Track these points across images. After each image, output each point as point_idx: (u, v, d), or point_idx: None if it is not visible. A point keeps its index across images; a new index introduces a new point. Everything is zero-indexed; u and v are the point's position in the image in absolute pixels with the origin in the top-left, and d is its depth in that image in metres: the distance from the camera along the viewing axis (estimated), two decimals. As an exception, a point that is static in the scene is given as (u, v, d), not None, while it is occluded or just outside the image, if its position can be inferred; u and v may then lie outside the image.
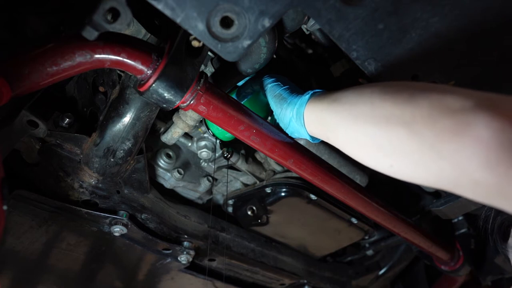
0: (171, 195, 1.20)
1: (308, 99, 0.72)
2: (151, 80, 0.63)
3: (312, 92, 0.73)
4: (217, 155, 1.09)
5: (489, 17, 0.69)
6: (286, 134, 0.79)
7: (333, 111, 0.65)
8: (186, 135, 1.11)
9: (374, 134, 0.57)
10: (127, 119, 0.83)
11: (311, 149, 0.94)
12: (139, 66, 0.63)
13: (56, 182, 0.90)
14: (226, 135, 0.99)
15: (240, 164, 1.12)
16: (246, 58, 0.77)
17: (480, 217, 0.99)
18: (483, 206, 1.00)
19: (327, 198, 1.19)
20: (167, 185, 1.14)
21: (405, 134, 0.53)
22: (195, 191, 1.22)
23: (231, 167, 1.17)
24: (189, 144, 1.11)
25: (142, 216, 1.03)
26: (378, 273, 1.74)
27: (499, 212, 0.93)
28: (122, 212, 0.98)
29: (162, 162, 1.10)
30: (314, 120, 0.70)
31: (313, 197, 1.16)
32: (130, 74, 0.78)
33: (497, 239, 0.93)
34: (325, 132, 0.69)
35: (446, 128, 0.49)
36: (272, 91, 0.79)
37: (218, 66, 0.90)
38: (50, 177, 0.89)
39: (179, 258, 1.15)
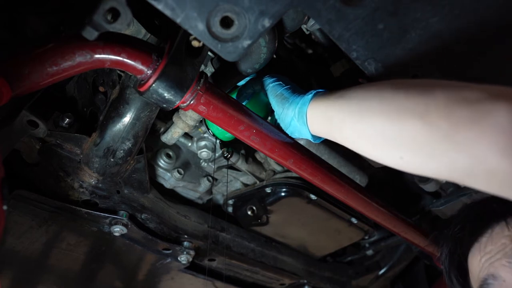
0: (171, 195, 1.20)
1: (311, 98, 0.72)
2: (151, 80, 0.63)
3: (315, 91, 0.73)
4: (217, 155, 1.09)
5: (489, 17, 0.69)
6: (286, 134, 0.79)
7: (339, 107, 0.65)
8: (186, 135, 1.11)
9: (384, 127, 0.57)
10: (127, 119, 0.83)
11: (311, 149, 0.94)
12: (139, 66, 0.63)
13: (56, 182, 0.90)
14: (226, 135, 0.99)
15: (240, 164, 1.12)
16: (246, 58, 0.77)
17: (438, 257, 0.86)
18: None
19: (327, 198, 1.19)
20: (167, 185, 1.14)
21: (419, 125, 0.53)
22: (195, 191, 1.22)
23: (231, 167, 1.17)
24: (189, 144, 1.11)
25: (142, 216, 1.03)
26: (378, 273, 1.74)
27: (454, 250, 0.81)
28: (122, 212, 0.98)
29: (162, 162, 1.10)
30: (319, 117, 0.70)
31: (313, 197, 1.16)
32: (130, 74, 0.78)
33: (454, 277, 0.81)
34: (329, 129, 0.68)
35: (463, 118, 0.49)
36: (274, 91, 0.79)
37: (218, 66, 0.90)
38: (50, 177, 0.89)
39: (179, 258, 1.15)
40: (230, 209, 1.28)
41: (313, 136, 0.75)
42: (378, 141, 0.59)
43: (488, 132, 0.47)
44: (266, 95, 0.81)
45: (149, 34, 0.80)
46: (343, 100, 0.65)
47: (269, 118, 0.90)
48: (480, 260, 0.74)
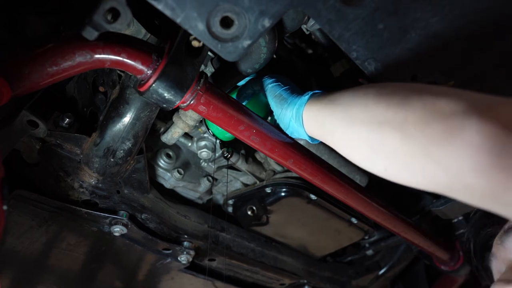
0: (171, 195, 1.20)
1: (307, 100, 0.72)
2: (151, 80, 0.63)
3: (311, 92, 0.73)
4: (217, 155, 1.09)
5: (489, 17, 0.69)
6: (286, 134, 0.79)
7: (329, 112, 0.66)
8: (186, 135, 1.11)
9: (368, 137, 0.57)
10: (127, 119, 0.83)
11: (311, 149, 0.94)
12: (139, 66, 0.63)
13: (56, 182, 0.90)
14: (226, 135, 0.99)
15: (240, 164, 1.12)
16: (246, 58, 0.77)
17: (463, 241, 0.96)
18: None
19: (327, 198, 1.19)
20: (167, 185, 1.14)
21: (398, 138, 0.53)
22: (195, 191, 1.22)
23: (231, 167, 1.17)
24: (189, 144, 1.11)
25: (142, 216, 1.03)
26: (378, 273, 1.74)
27: (478, 233, 0.90)
28: (122, 212, 0.98)
29: (162, 162, 1.10)
30: (312, 120, 0.70)
31: (313, 197, 1.16)
32: (130, 74, 0.78)
33: (480, 257, 0.90)
34: (322, 133, 0.69)
35: (438, 132, 0.49)
36: (273, 92, 0.79)
37: (218, 66, 0.90)
38: (50, 177, 0.89)
39: (179, 258, 1.15)
40: (230, 209, 1.28)
41: (310, 137, 0.75)
42: (364, 151, 0.59)
43: (461, 149, 0.46)
44: (265, 95, 0.81)
45: (149, 34, 0.80)
46: (333, 105, 0.65)
47: (269, 118, 0.90)
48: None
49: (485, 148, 0.44)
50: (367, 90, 0.61)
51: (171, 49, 0.64)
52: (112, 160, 0.87)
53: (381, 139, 0.55)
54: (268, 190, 1.16)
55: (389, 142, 0.54)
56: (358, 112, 0.59)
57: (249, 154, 1.16)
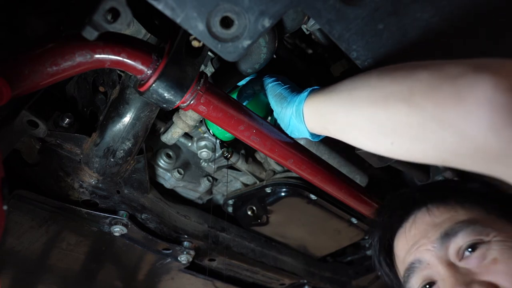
0: (171, 195, 1.20)
1: (307, 95, 0.72)
2: (151, 80, 0.63)
3: (310, 89, 0.74)
4: (217, 155, 1.09)
5: (490, 16, 0.69)
6: (286, 134, 0.79)
7: (331, 100, 0.66)
8: (186, 135, 1.11)
9: (373, 115, 0.57)
10: (127, 119, 0.83)
11: (311, 149, 0.94)
12: (139, 66, 0.63)
13: (56, 182, 0.90)
14: (226, 135, 0.99)
15: (240, 164, 1.12)
16: (246, 58, 0.77)
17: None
18: None
19: (327, 198, 1.19)
20: (167, 185, 1.14)
21: (404, 109, 0.52)
22: (195, 191, 1.22)
23: (231, 167, 1.17)
24: (189, 144, 1.11)
25: (142, 216, 1.03)
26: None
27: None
28: (122, 212, 0.98)
29: (162, 162, 1.10)
30: (313, 113, 0.70)
31: (313, 197, 1.16)
32: (130, 74, 0.78)
33: (383, 259, 0.88)
34: (324, 123, 0.69)
35: (447, 95, 0.47)
36: (273, 91, 0.79)
37: (218, 66, 0.90)
38: (50, 177, 0.89)
39: (179, 258, 1.15)
40: (230, 209, 1.28)
41: (311, 134, 0.75)
42: (369, 130, 0.58)
43: (474, 108, 0.45)
44: (265, 95, 0.81)
45: (149, 34, 0.80)
46: (334, 93, 0.66)
47: (269, 118, 0.90)
48: (407, 243, 0.78)
49: (499, 104, 0.43)
50: (368, 73, 0.61)
51: (171, 49, 0.64)
52: (112, 160, 0.87)
53: (387, 115, 0.54)
54: (268, 190, 1.16)
55: (394, 116, 0.53)
56: (361, 92, 0.59)
57: (249, 154, 1.16)
